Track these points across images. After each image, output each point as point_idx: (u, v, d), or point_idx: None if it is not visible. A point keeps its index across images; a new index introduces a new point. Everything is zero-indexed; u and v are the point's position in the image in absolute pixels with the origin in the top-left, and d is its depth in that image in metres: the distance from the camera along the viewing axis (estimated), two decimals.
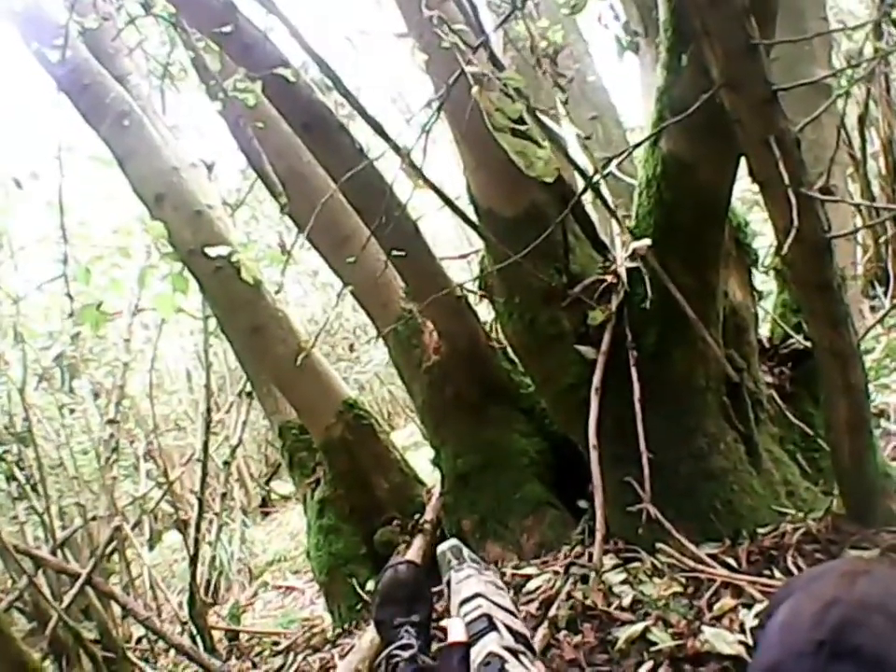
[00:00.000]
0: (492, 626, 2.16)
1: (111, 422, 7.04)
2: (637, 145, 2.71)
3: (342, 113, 3.49)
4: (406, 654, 2.38)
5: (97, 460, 7.23)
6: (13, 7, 4.24)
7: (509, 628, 2.22)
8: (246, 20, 2.93)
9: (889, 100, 7.67)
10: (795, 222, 1.92)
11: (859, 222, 5.71)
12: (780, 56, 3.07)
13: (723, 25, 1.92)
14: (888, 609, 1.02)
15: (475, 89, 2.31)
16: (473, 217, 3.39)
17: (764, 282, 4.39)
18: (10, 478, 6.63)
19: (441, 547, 2.77)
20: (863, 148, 7.25)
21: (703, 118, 2.25)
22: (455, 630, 2.20)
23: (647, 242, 2.98)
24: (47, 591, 5.92)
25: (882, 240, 7.71)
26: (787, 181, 1.96)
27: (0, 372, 6.98)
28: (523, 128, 2.47)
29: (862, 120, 7.02)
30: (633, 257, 3.07)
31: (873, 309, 7.22)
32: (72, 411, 8.30)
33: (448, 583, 2.57)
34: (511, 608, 2.38)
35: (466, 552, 2.73)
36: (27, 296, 6.90)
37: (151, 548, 10.05)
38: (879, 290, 7.53)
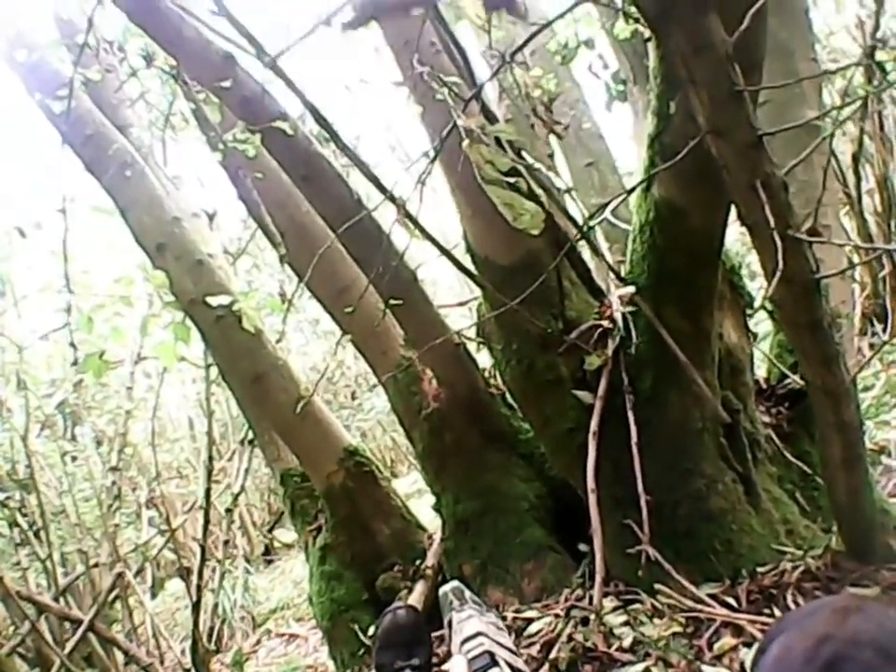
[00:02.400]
0: (494, 663, 2.18)
1: (113, 469, 7.05)
2: (629, 192, 2.76)
3: (340, 162, 3.54)
4: None
5: (99, 507, 7.24)
6: (17, 58, 4.30)
7: (511, 666, 2.23)
8: (246, 73, 2.98)
9: (883, 137, 7.72)
10: (781, 264, 1.95)
11: (855, 259, 5.73)
12: (771, 99, 3.13)
13: (708, 73, 1.96)
14: (879, 645, 1.03)
15: (466, 142, 2.35)
16: (470, 266, 3.43)
17: (760, 322, 4.42)
18: (13, 524, 6.63)
19: (444, 588, 2.78)
20: (858, 186, 7.29)
21: (693, 163, 2.28)
22: (458, 667, 2.21)
23: (631, 289, 3.02)
24: (49, 637, 5.90)
25: (879, 277, 7.73)
26: (773, 224, 1.99)
27: (3, 419, 7.00)
28: (513, 180, 2.51)
29: (856, 158, 7.06)
30: (626, 302, 3.11)
31: (871, 346, 7.24)
32: (74, 458, 8.30)
33: (449, 624, 2.58)
34: (513, 647, 2.39)
35: (467, 593, 2.74)
36: (31, 345, 6.93)
37: (154, 595, 9.99)
38: (878, 327, 7.55)
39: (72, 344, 4.48)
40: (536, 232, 2.52)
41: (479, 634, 2.33)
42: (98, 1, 3.20)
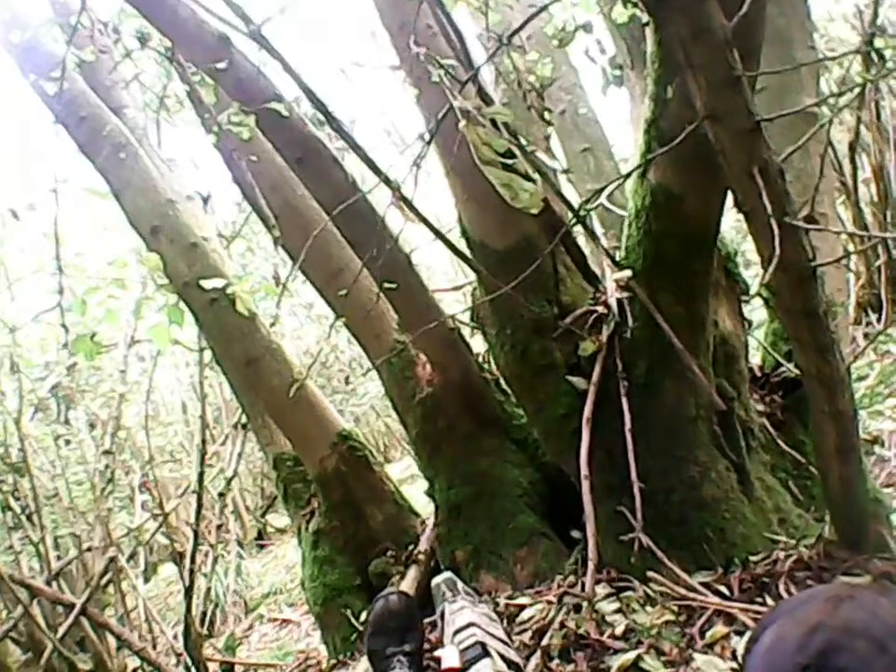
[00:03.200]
0: (486, 653, 2.19)
1: (106, 453, 7.04)
2: (625, 176, 2.75)
3: (335, 145, 3.53)
4: None
5: (92, 491, 7.23)
6: (10, 39, 4.28)
7: (502, 656, 2.24)
8: (241, 54, 2.97)
9: (880, 127, 7.73)
10: (778, 251, 1.94)
11: (851, 248, 5.73)
12: (769, 86, 3.12)
13: (706, 58, 1.95)
14: (871, 634, 1.03)
15: (463, 123, 2.34)
16: (465, 250, 3.42)
17: (755, 310, 4.42)
18: (6, 508, 6.62)
19: (436, 580, 2.79)
20: (854, 175, 7.29)
21: (690, 149, 2.28)
22: (450, 657, 2.22)
23: (627, 273, 3.01)
24: (42, 621, 5.90)
25: (874, 266, 7.73)
26: (770, 211, 1.98)
27: None
28: (510, 161, 2.50)
29: (853, 147, 7.06)
30: (621, 287, 3.11)
31: (866, 336, 7.25)
32: (67, 442, 8.26)
33: (442, 615, 2.59)
34: (504, 637, 2.41)
35: (460, 584, 2.75)
36: (24, 326, 6.91)
37: (146, 580, 10.00)
38: (873, 317, 7.56)
39: (63, 326, 4.48)
40: (535, 212, 2.51)
41: (471, 624, 2.35)
42: None
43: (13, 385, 6.70)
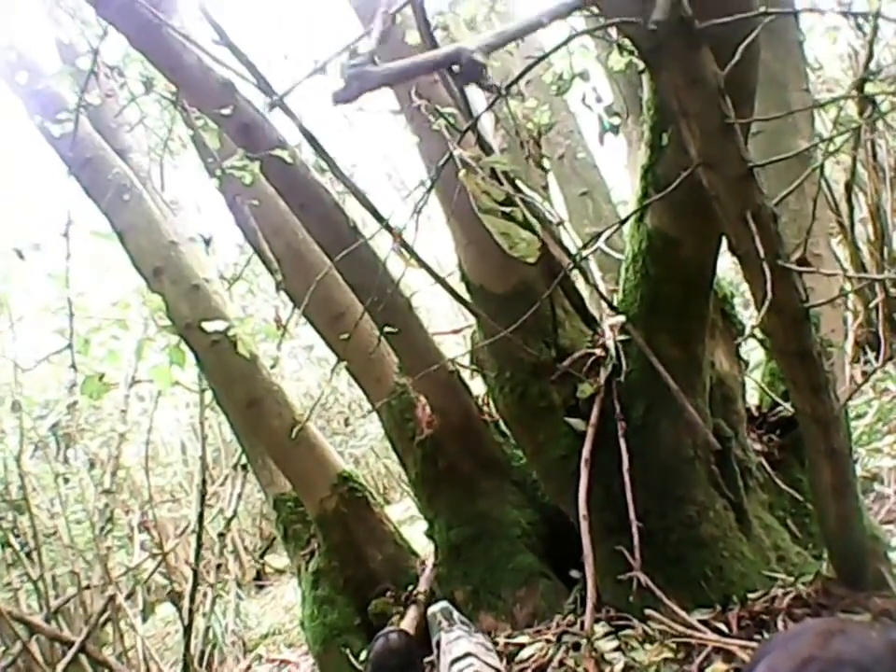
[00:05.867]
0: None
1: (106, 492, 7.04)
2: (622, 222, 2.80)
3: (337, 189, 3.57)
4: None
5: (91, 530, 7.21)
6: (17, 81, 4.32)
7: None
8: (245, 100, 3.01)
9: (876, 166, 7.77)
10: (770, 294, 1.97)
11: (847, 288, 5.75)
12: (765, 129, 3.17)
13: (700, 106, 1.98)
14: (861, 666, 1.05)
15: (462, 172, 2.37)
16: (465, 294, 3.45)
17: (752, 350, 4.45)
18: (5, 545, 6.61)
19: (432, 609, 2.79)
20: (851, 215, 7.31)
21: (686, 194, 2.30)
22: None
23: (621, 318, 3.05)
24: (40, 658, 5.87)
25: (872, 305, 7.74)
26: (763, 254, 2.01)
27: None
28: (509, 209, 2.53)
29: (849, 187, 7.09)
30: (618, 331, 3.14)
31: (864, 374, 7.25)
32: (67, 480, 8.25)
33: (438, 644, 2.59)
34: (501, 668, 2.41)
35: (456, 614, 2.75)
36: (32, 368, 6.93)
37: (144, 619, 9.92)
38: (871, 355, 7.57)
39: (73, 366, 4.51)
40: (532, 260, 2.54)
41: (468, 654, 2.35)
42: (104, 32, 3.23)
43: (14, 423, 6.71)
